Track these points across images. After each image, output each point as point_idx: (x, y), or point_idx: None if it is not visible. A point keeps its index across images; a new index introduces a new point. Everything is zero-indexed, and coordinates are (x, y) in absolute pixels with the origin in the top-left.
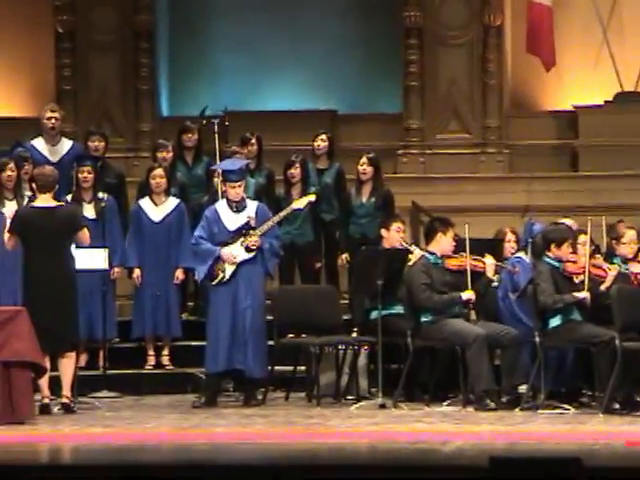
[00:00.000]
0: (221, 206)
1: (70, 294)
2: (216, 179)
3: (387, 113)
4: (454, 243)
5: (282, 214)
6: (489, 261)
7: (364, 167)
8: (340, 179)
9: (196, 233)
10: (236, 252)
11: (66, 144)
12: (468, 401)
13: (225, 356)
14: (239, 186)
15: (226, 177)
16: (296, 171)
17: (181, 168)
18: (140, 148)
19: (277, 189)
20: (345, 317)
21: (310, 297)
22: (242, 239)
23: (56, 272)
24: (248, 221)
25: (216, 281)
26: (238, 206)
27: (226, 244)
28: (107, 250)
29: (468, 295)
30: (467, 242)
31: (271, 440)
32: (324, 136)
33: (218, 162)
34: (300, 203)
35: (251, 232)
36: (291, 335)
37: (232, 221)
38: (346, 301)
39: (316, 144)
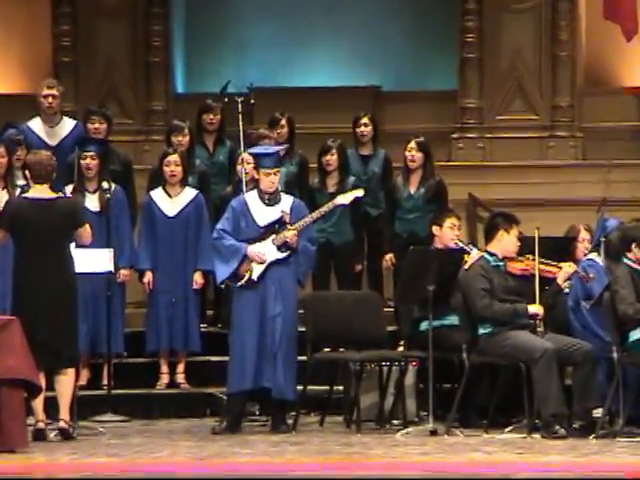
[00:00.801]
0: (251, 197)
1: (69, 301)
2: (240, 166)
3: (440, 90)
4: (518, 243)
5: (322, 210)
6: (567, 269)
7: (412, 153)
8: (387, 168)
9: (219, 226)
10: (266, 250)
11: (67, 125)
12: (534, 427)
13: (252, 372)
14: (275, 174)
15: (261, 163)
16: (332, 158)
17: (200, 154)
18: (152, 131)
19: (310, 178)
20: (390, 329)
21: (349, 305)
22: (274, 236)
23: (53, 275)
24: (282, 216)
25: (242, 282)
26: (271, 198)
27: (255, 241)
28: (113, 250)
29: (535, 309)
30: (536, 244)
31: (303, 472)
32: (366, 119)
33: (242, 147)
34: (345, 198)
35: (287, 228)
36: (327, 350)
37: (263, 215)
38: (391, 310)
39: (359, 130)
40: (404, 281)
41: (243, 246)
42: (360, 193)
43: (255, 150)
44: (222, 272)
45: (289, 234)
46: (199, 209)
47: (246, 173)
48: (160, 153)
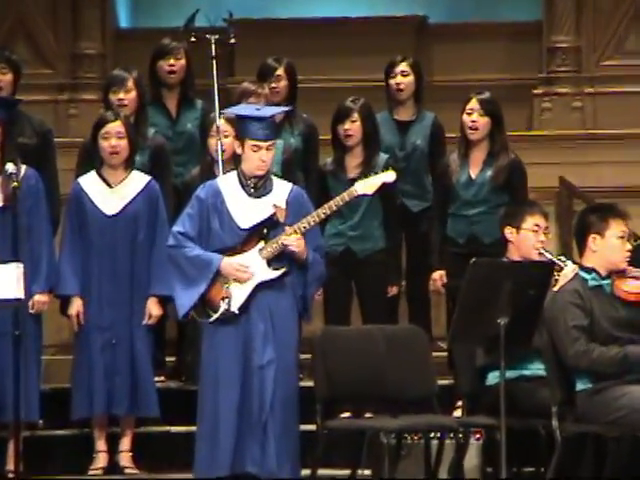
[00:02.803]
0: (228, 183)
1: None
2: (215, 139)
3: (515, 23)
4: (628, 252)
5: (336, 203)
6: None
7: (474, 118)
8: (436, 140)
9: (176, 227)
10: (251, 265)
11: None
12: None
13: (229, 450)
14: (267, 149)
15: (246, 131)
16: (354, 126)
17: (156, 120)
18: (81, 85)
19: (321, 156)
20: (441, 382)
21: (379, 347)
22: (262, 245)
23: None
24: (274, 214)
25: (215, 317)
26: (259, 185)
27: (233, 252)
28: (22, 265)
29: None
30: None
31: None
32: (405, 65)
33: (217, 110)
34: (368, 186)
35: (283, 231)
36: (346, 414)
37: (246, 211)
38: (443, 354)
39: (394, 82)
40: (462, 311)
41: (215, 258)
42: (390, 177)
43: (237, 111)
44: (184, 299)
45: (289, 239)
46: (153, 204)
47: (223, 151)
48: (94, 119)
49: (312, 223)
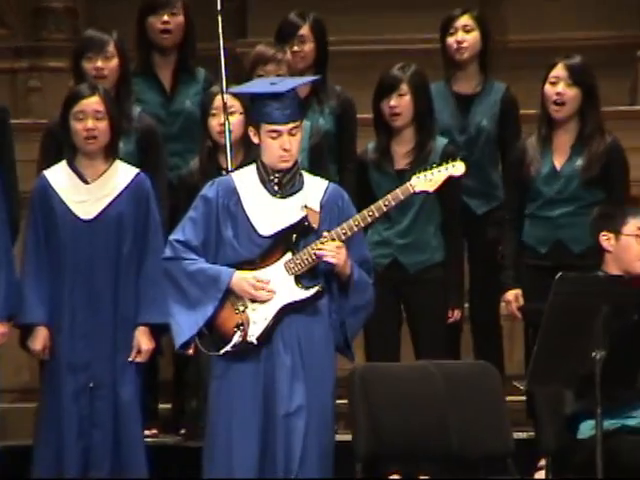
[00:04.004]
0: (245, 180)
1: None
2: (218, 119)
3: None
4: None
5: (383, 204)
6: None
7: (559, 89)
8: (508, 119)
9: (175, 235)
10: (274, 282)
11: None
12: None
13: None
14: (291, 133)
15: (262, 113)
16: (403, 101)
17: (145, 95)
18: (45, 49)
19: (360, 141)
20: (519, 435)
21: (437, 389)
22: (289, 256)
23: None
24: (305, 217)
25: (226, 348)
26: (285, 182)
27: (251, 267)
28: None
29: None
30: None
31: None
32: (468, 17)
33: (225, 81)
34: (429, 180)
35: (318, 238)
36: (394, 477)
37: (270, 215)
38: (520, 399)
39: (452, 39)
40: (545, 342)
41: (224, 273)
42: (460, 170)
43: (245, 89)
44: (184, 325)
45: (325, 248)
46: (143, 204)
47: (230, 131)
48: (64, 94)
49: (355, 229)
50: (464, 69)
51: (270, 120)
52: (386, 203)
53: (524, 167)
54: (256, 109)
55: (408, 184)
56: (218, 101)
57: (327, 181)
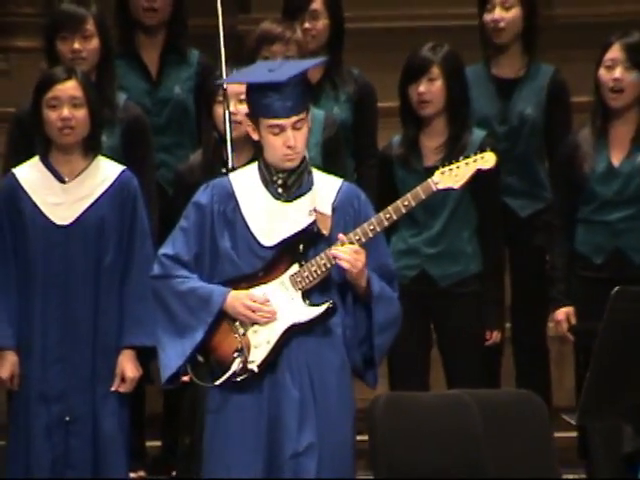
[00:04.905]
0: (245, 182)
1: None
2: (222, 108)
3: None
4: None
5: (402, 205)
6: None
7: (617, 73)
8: (557, 108)
9: (164, 249)
10: (277, 299)
11: None
12: None
13: None
14: (295, 127)
15: (259, 105)
16: (433, 88)
17: (129, 80)
18: (12, 26)
19: (381, 134)
20: (568, 477)
21: (472, 422)
22: (295, 269)
23: None
24: (314, 223)
25: (223, 378)
26: (292, 183)
27: (253, 282)
28: None
29: None
30: None
31: None
32: None
33: (224, 66)
34: (454, 176)
35: (333, 246)
36: None
37: (273, 222)
38: (571, 434)
39: (490, 16)
40: (601, 369)
41: (216, 292)
42: (490, 162)
43: (240, 77)
44: (170, 355)
45: (344, 250)
46: (128, 208)
47: (233, 122)
48: (35, 78)
49: (370, 234)
50: (504, 51)
51: (270, 114)
52: (405, 203)
53: (576, 164)
54: (253, 101)
55: (430, 180)
56: (221, 89)
57: (341, 179)
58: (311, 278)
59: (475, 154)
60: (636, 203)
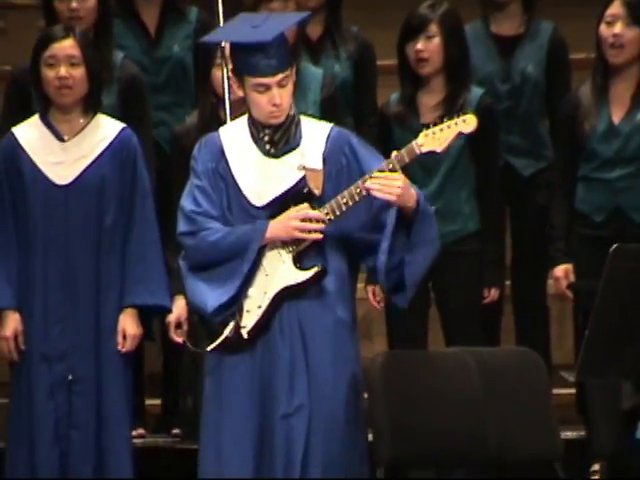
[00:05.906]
0: (234, 137)
1: None
2: (220, 69)
3: None
4: None
5: (399, 159)
6: None
7: (617, 29)
8: (558, 66)
9: (188, 206)
10: (267, 261)
11: None
12: None
13: None
14: (280, 84)
15: (243, 63)
16: (431, 46)
17: (127, 39)
18: None
19: (380, 92)
20: (567, 435)
21: (471, 381)
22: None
23: None
24: (302, 179)
25: (214, 345)
26: (279, 138)
27: None
28: None
29: None
30: None
31: None
32: None
33: (221, 21)
34: (436, 138)
35: (322, 208)
36: None
37: (263, 180)
38: (570, 391)
39: None
40: (600, 326)
41: (260, 226)
42: (470, 126)
43: (226, 34)
44: (219, 294)
45: (376, 181)
46: (129, 166)
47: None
48: (32, 37)
49: (356, 198)
50: (504, 7)
51: (255, 73)
52: (403, 157)
53: (577, 122)
54: (237, 58)
55: (414, 143)
56: (219, 50)
57: (330, 124)
58: (343, 208)
59: (458, 116)
60: (636, 162)
